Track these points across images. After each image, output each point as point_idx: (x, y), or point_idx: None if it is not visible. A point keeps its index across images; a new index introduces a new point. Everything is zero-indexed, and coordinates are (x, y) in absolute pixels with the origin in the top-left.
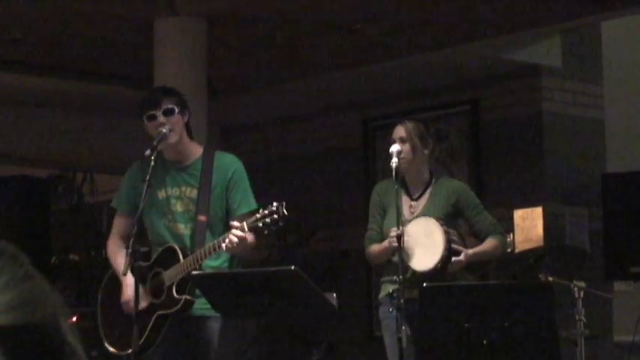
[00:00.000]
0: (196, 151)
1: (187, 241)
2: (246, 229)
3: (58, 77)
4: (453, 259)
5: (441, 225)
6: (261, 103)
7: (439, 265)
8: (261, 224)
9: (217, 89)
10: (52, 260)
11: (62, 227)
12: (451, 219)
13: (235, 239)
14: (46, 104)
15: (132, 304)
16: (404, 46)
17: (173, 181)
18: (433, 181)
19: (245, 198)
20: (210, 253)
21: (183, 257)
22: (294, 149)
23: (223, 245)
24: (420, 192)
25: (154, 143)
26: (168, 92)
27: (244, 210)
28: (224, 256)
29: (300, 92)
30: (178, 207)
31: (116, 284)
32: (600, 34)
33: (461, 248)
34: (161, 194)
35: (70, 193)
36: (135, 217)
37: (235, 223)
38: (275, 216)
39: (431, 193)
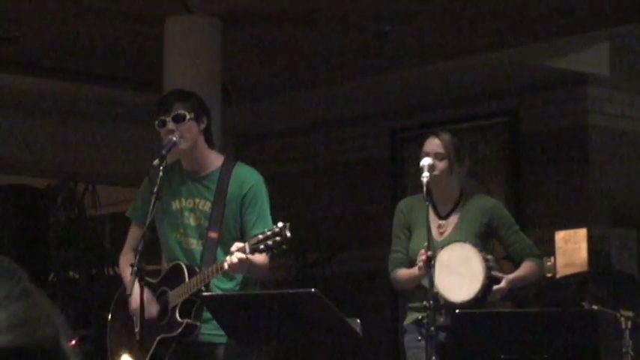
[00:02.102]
0: (215, 160)
1: (198, 258)
2: (248, 251)
3: (59, 79)
4: (494, 287)
5: (479, 251)
6: (280, 110)
7: (479, 294)
8: (262, 246)
9: (232, 95)
10: (50, 278)
11: (61, 242)
12: (484, 240)
13: (236, 260)
14: (46, 108)
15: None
16: (437, 50)
17: (188, 192)
18: (463, 198)
19: (261, 218)
20: (213, 274)
21: (189, 276)
22: (316, 161)
23: (226, 265)
24: (448, 210)
25: (163, 152)
26: (183, 96)
27: (259, 231)
28: (238, 278)
29: (323, 99)
30: (191, 220)
31: (126, 303)
32: None
33: (500, 275)
34: (175, 205)
35: (71, 205)
36: (143, 231)
37: (236, 245)
38: (277, 238)
39: (461, 211)
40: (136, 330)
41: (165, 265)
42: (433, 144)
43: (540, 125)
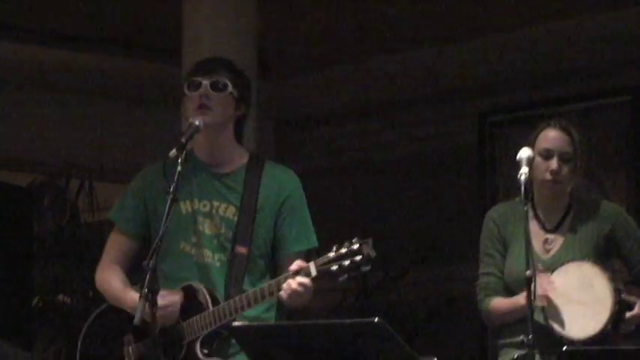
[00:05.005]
0: (241, 157)
1: (215, 277)
2: (314, 273)
3: (46, 45)
4: (627, 314)
5: (603, 270)
6: (332, 88)
7: (609, 326)
8: (335, 267)
9: (271, 68)
10: (34, 303)
11: (48, 255)
12: (603, 258)
13: (298, 288)
14: (33, 83)
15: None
16: (536, 11)
17: (204, 192)
18: (575, 204)
19: (304, 231)
20: (257, 301)
21: (213, 303)
22: (377, 153)
23: (283, 294)
24: (557, 220)
25: (182, 139)
26: (231, 67)
27: (301, 247)
28: (266, 303)
29: (387, 73)
30: (206, 228)
31: (109, 332)
32: None
33: (632, 298)
34: (185, 207)
35: (61, 208)
36: (154, 242)
37: (298, 264)
38: (358, 257)
39: (574, 221)
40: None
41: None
42: (561, 140)
43: None
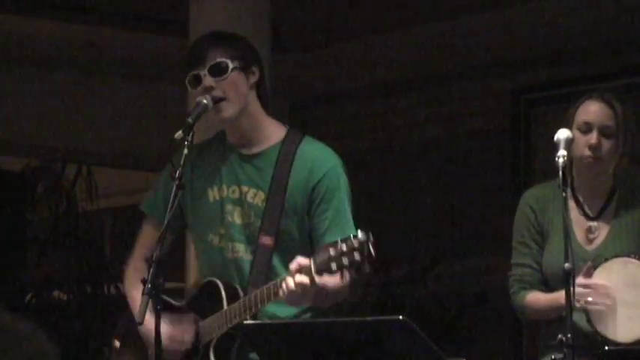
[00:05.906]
0: (275, 132)
1: (248, 272)
2: (314, 272)
3: (40, 16)
4: None
5: None
6: (352, 63)
7: None
8: (334, 265)
9: (286, 43)
10: (27, 299)
11: (43, 248)
12: None
13: (294, 287)
14: (25, 58)
15: None
16: None
17: (232, 176)
18: (619, 188)
19: (339, 218)
20: (264, 300)
21: (228, 300)
22: (402, 134)
23: (280, 292)
24: (600, 206)
25: (189, 120)
26: (221, 39)
27: (334, 238)
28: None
29: (413, 47)
30: (236, 217)
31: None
32: None
33: None
34: (213, 195)
35: (57, 195)
36: (161, 232)
37: (298, 262)
38: (356, 255)
39: (617, 206)
40: None
41: (196, 281)
42: (603, 113)
43: None
